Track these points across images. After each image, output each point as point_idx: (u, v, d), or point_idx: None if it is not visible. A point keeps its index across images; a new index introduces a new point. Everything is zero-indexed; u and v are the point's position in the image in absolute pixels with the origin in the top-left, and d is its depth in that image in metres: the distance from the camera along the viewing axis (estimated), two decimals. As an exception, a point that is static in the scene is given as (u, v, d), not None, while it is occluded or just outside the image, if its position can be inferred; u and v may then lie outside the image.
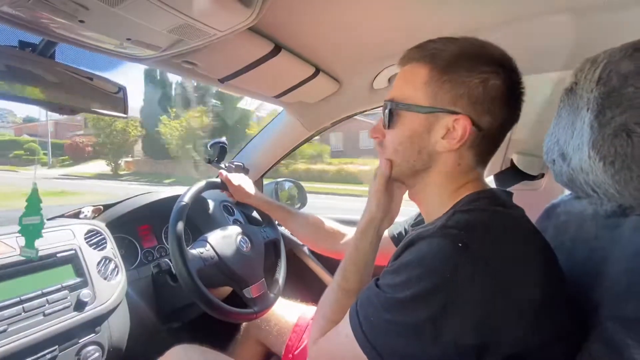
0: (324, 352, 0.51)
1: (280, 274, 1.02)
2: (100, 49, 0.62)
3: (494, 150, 0.51)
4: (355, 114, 1.16)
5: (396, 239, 0.80)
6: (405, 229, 0.78)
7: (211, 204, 1.16)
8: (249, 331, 1.01)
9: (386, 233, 0.83)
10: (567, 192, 0.65)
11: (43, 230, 0.70)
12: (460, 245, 0.39)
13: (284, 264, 1.05)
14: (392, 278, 0.43)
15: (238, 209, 1.24)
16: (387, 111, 0.51)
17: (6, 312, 0.62)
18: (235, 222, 1.18)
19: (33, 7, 0.47)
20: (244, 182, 0.97)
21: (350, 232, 0.88)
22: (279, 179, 1.52)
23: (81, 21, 0.50)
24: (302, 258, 1.35)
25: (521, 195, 0.49)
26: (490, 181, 1.04)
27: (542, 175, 1.01)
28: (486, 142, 0.48)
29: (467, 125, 0.45)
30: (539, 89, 0.54)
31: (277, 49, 0.74)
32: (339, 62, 0.90)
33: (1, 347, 0.59)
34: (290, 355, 0.89)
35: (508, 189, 0.53)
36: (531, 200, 0.48)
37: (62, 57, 0.66)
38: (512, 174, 1.03)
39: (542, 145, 0.56)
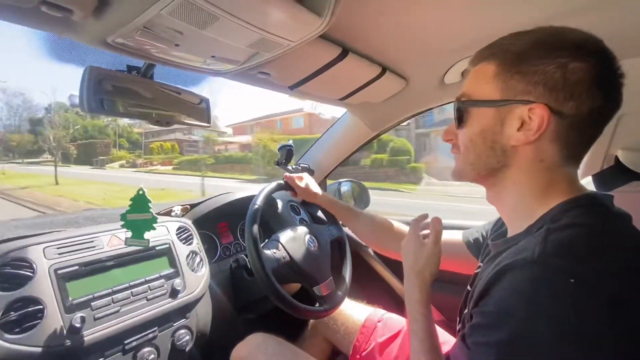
0: None
1: (347, 273, 1.03)
2: (189, 67, 0.70)
3: (587, 143, 0.45)
4: (423, 111, 1.11)
5: (472, 245, 0.74)
6: (483, 236, 0.73)
7: (280, 204, 1.23)
8: (317, 328, 1.05)
9: (460, 237, 0.78)
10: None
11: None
12: (572, 281, 0.34)
13: (349, 262, 1.06)
14: (489, 334, 0.37)
15: (304, 208, 1.29)
16: (456, 110, 0.50)
17: (119, 295, 0.73)
18: (301, 221, 1.22)
19: (139, 37, 0.54)
20: (309, 182, 1.01)
21: (404, 229, 0.86)
22: (341, 180, 1.54)
23: (176, 45, 0.57)
24: (366, 259, 1.35)
25: (628, 198, 0.42)
26: (587, 183, 0.91)
27: (658, 175, 0.84)
28: (574, 133, 0.43)
29: (545, 113, 0.41)
30: None
31: (345, 52, 0.75)
32: (407, 59, 0.87)
33: (116, 324, 0.70)
34: (358, 356, 0.90)
35: (611, 192, 0.46)
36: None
37: (156, 75, 0.76)
38: (617, 174, 0.88)
39: None
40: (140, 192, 0.76)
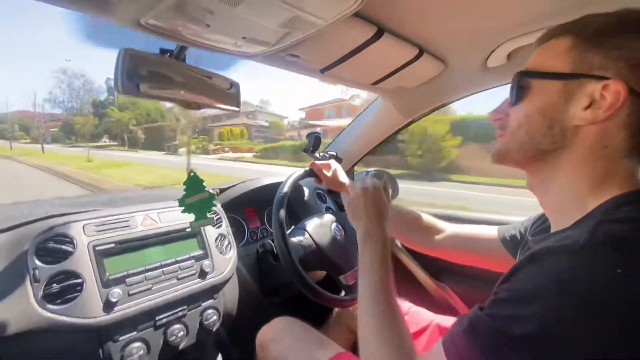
0: None
1: None
2: (219, 49, 0.69)
3: None
4: (462, 97, 1.04)
5: (508, 242, 0.69)
6: (521, 233, 0.67)
7: (306, 191, 1.22)
8: (341, 317, 1.04)
9: (495, 233, 0.73)
10: None
11: (174, 208, 0.84)
12: (619, 272, 0.31)
13: None
14: (515, 307, 0.34)
15: (330, 196, 1.27)
16: (516, 85, 0.45)
17: (152, 274, 0.76)
18: (327, 209, 1.21)
19: (172, 17, 0.54)
20: (337, 170, 0.96)
21: (447, 227, 0.82)
22: (369, 169, 1.50)
23: (207, 25, 0.56)
24: (393, 251, 1.31)
25: None
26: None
27: None
28: None
29: (622, 90, 0.37)
30: None
31: (380, 32, 0.70)
32: (447, 40, 0.80)
33: (148, 301, 0.73)
34: (382, 348, 0.88)
35: None
36: None
37: (189, 59, 0.76)
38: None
39: None
40: (192, 174, 0.78)
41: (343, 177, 0.96)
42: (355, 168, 1.45)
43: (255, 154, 21.16)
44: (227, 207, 1.04)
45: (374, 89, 1.02)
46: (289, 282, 0.98)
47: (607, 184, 0.40)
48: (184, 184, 0.77)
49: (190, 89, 0.74)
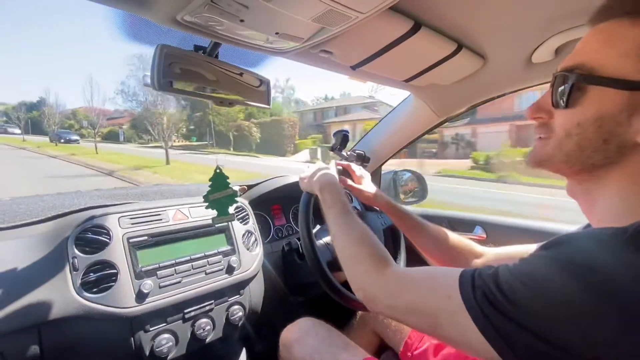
0: (413, 290, 0.43)
1: (401, 263, 0.98)
2: (252, 45, 0.68)
3: None
4: (501, 95, 0.98)
5: None
6: None
7: None
8: (366, 320, 1.02)
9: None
10: None
11: (204, 203, 0.85)
12: None
13: (404, 252, 1.00)
14: (540, 271, 0.33)
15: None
16: (566, 85, 0.38)
17: (182, 267, 0.78)
18: (353, 208, 1.19)
19: (206, 13, 0.54)
20: (365, 181, 0.87)
21: (486, 251, 0.73)
22: (397, 169, 1.46)
23: (241, 20, 0.55)
24: (421, 254, 1.27)
25: None
26: None
27: None
28: None
29: None
30: None
31: (417, 26, 0.67)
32: (488, 34, 0.75)
33: (178, 294, 0.75)
34: (409, 354, 0.85)
35: None
36: None
37: (221, 55, 0.77)
38: None
39: None
40: (218, 171, 0.79)
41: (372, 188, 0.87)
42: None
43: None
44: (254, 203, 1.04)
45: (406, 86, 0.98)
46: (314, 281, 0.97)
47: None
48: (210, 180, 0.78)
49: (222, 86, 0.74)
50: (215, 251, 0.85)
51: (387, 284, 0.47)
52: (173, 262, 0.77)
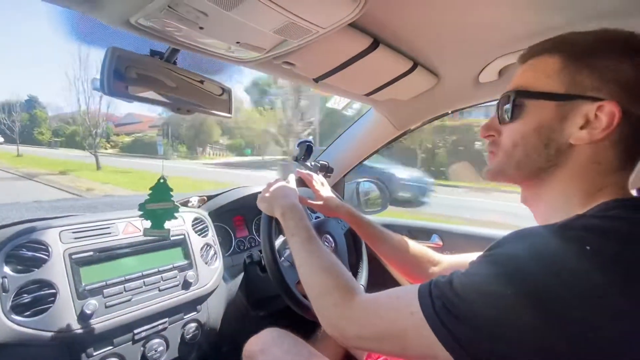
0: (380, 316, 0.44)
1: (363, 268, 0.99)
2: (213, 53, 0.67)
3: None
4: (454, 111, 1.05)
5: None
6: None
7: None
8: (329, 331, 1.01)
9: None
10: None
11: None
12: (588, 248, 0.33)
13: (365, 258, 1.01)
14: (489, 267, 0.37)
15: None
16: (509, 103, 0.45)
17: (132, 284, 0.72)
18: (317, 218, 1.19)
19: (163, 18, 0.52)
20: (326, 193, 0.87)
21: (442, 258, 0.76)
22: (360, 179, 1.49)
23: (201, 28, 0.54)
24: (380, 261, 1.30)
25: None
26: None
27: None
28: (637, 136, 0.40)
29: (617, 112, 0.38)
30: None
31: (376, 43, 0.70)
32: (441, 55, 0.81)
33: (127, 314, 0.69)
34: (371, 364, 0.86)
35: None
36: None
37: (181, 62, 0.74)
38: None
39: None
40: (162, 181, 0.74)
41: (334, 200, 0.86)
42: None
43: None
44: (214, 215, 1.01)
45: (367, 100, 1.02)
46: (277, 294, 0.95)
47: (597, 195, 0.41)
48: (151, 188, 0.73)
49: (182, 93, 0.72)
50: (170, 266, 0.80)
51: (355, 315, 0.47)
52: (122, 279, 0.72)
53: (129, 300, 0.71)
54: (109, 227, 0.75)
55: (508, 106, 0.45)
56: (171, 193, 0.75)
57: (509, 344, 0.33)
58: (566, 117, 0.41)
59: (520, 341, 0.32)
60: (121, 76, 0.61)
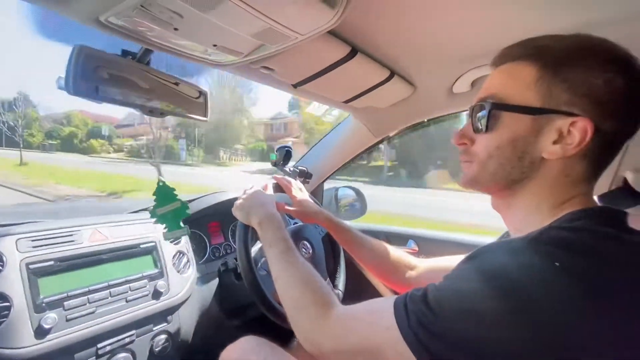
0: (355, 330, 0.44)
1: (341, 273, 0.99)
2: (188, 55, 0.66)
3: (610, 161, 0.43)
4: (430, 119, 1.08)
5: None
6: None
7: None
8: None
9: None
10: None
11: (128, 222, 0.77)
12: (557, 264, 0.33)
13: (343, 263, 1.01)
14: (461, 283, 0.37)
15: None
16: (483, 113, 0.45)
17: (97, 295, 0.68)
18: (295, 223, 1.18)
19: (136, 17, 0.50)
20: (304, 199, 0.85)
21: (419, 263, 0.78)
22: (339, 186, 1.50)
23: (175, 29, 0.53)
24: (361, 270, 1.30)
25: (635, 222, 0.40)
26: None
27: (668, 200, 0.82)
28: (604, 151, 0.41)
29: (589, 128, 0.38)
30: None
31: (354, 52, 0.71)
32: (417, 65, 0.83)
33: (90, 327, 0.65)
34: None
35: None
36: None
37: (155, 64, 0.72)
38: (624, 196, 0.85)
39: None
40: (161, 184, 0.72)
41: (313, 207, 0.85)
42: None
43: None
44: (188, 221, 0.97)
45: (346, 107, 1.03)
46: (252, 302, 0.93)
47: (567, 204, 0.42)
48: (154, 194, 0.72)
49: (157, 95, 0.70)
50: (140, 275, 0.76)
51: (331, 330, 0.46)
52: (86, 289, 0.68)
53: (93, 312, 0.67)
54: (72, 235, 0.71)
55: (483, 115, 0.44)
56: (175, 192, 0.74)
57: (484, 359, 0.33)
58: (541, 131, 0.41)
59: (495, 357, 0.33)
60: (90, 76, 0.58)
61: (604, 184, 0.89)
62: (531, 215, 0.44)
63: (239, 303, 0.95)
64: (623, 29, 0.59)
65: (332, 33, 0.67)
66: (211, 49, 0.61)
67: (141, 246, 0.80)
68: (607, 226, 0.37)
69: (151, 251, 0.81)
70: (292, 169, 1.17)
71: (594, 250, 0.35)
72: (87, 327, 0.65)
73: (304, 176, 1.21)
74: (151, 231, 0.84)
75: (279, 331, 0.97)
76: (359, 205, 1.44)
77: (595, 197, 0.91)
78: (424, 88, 0.93)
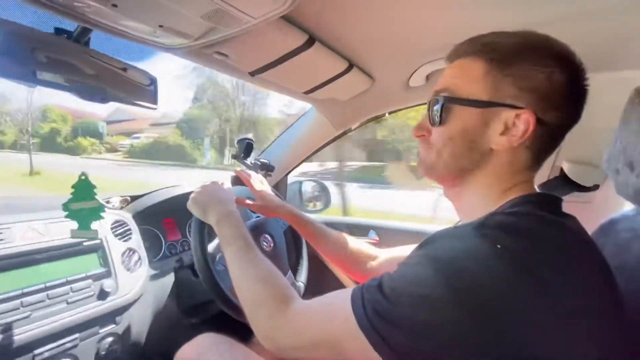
0: (314, 324, 0.44)
1: (303, 265, 0.99)
2: (133, 36, 0.61)
3: (551, 152, 0.46)
4: (389, 112, 1.11)
5: None
6: None
7: None
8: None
9: None
10: (628, 206, 0.57)
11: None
12: (499, 247, 0.35)
13: (305, 255, 1.01)
14: (413, 270, 0.38)
15: None
16: (437, 106, 0.47)
17: (31, 298, 0.62)
18: (257, 217, 1.16)
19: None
20: (265, 193, 0.84)
21: (380, 253, 0.79)
22: (303, 179, 1.50)
23: (114, 5, 0.49)
24: (323, 261, 1.31)
25: (570, 207, 0.44)
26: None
27: (597, 187, 0.90)
28: (545, 142, 0.44)
29: (531, 120, 0.41)
30: (597, 89, 0.49)
31: (311, 40, 0.71)
32: (374, 57, 0.85)
33: (24, 332, 0.59)
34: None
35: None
36: (581, 214, 0.44)
37: (98, 46, 0.66)
38: (561, 184, 0.93)
39: (600, 153, 0.50)
40: (83, 178, 0.67)
41: (275, 200, 0.84)
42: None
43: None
44: (140, 217, 0.92)
45: (306, 98, 1.02)
46: (211, 299, 0.90)
47: (510, 191, 0.45)
48: (73, 186, 0.66)
49: (103, 81, 0.64)
50: (83, 275, 0.71)
51: (289, 326, 0.46)
52: (19, 292, 0.61)
53: (28, 316, 0.61)
54: (1, 233, 0.64)
55: (437, 109, 0.47)
56: (95, 191, 0.68)
57: (441, 344, 0.34)
58: (488, 123, 0.44)
59: (451, 341, 0.34)
60: (30, 60, 0.53)
61: (543, 174, 0.97)
62: (479, 202, 0.47)
63: (197, 300, 0.91)
64: (566, 27, 0.64)
65: (289, 20, 0.66)
66: (158, 30, 0.58)
67: (85, 244, 0.74)
68: (544, 211, 0.40)
69: (96, 249, 0.76)
70: (253, 162, 1.15)
71: (533, 233, 0.37)
72: (20, 333, 0.59)
73: (266, 169, 1.19)
74: (97, 227, 0.78)
75: (239, 327, 0.95)
76: (324, 199, 1.45)
77: (535, 186, 0.99)
78: (382, 81, 0.95)
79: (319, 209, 1.42)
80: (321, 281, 1.30)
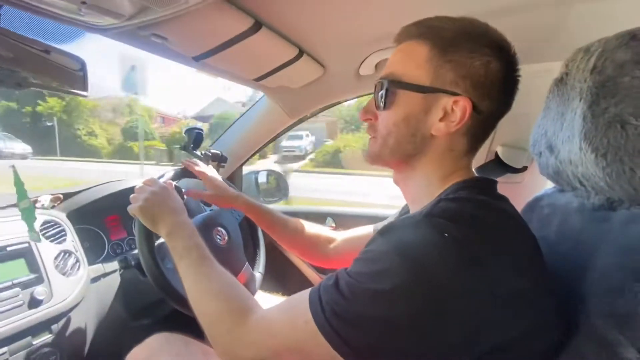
0: (275, 332, 0.42)
1: (261, 256, 0.98)
2: (53, 14, 0.54)
3: (486, 138, 0.49)
4: (340, 102, 1.12)
5: None
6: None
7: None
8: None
9: (372, 230, 0.79)
10: (550, 185, 0.64)
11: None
12: (446, 235, 0.36)
13: (262, 246, 1.00)
14: (367, 266, 0.39)
15: None
16: (383, 91, 0.47)
17: (-58, 313, 0.54)
18: (210, 211, 1.12)
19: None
20: (218, 184, 0.81)
21: (336, 235, 0.81)
22: (259, 170, 1.47)
23: (24, -24, 0.43)
24: (281, 250, 1.31)
25: (503, 188, 0.49)
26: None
27: (525, 168, 1.00)
28: (481, 128, 0.47)
29: (468, 107, 0.43)
30: (526, 80, 0.54)
31: (257, 25, 0.68)
32: (324, 45, 0.84)
33: None
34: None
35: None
36: (513, 193, 0.49)
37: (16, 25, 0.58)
38: (496, 167, 1.02)
39: (528, 137, 0.54)
40: (13, 170, 0.59)
41: (228, 191, 0.82)
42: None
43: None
44: (76, 216, 0.84)
45: (258, 86, 0.99)
46: (161, 299, 0.86)
47: (452, 176, 0.48)
48: (14, 184, 0.59)
49: (23, 66, 0.57)
50: (9, 283, 0.63)
51: (250, 338, 0.43)
52: None
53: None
54: None
55: (382, 94, 0.47)
56: (24, 189, 0.61)
57: (401, 339, 0.35)
58: (429, 109, 0.45)
59: (411, 334, 0.35)
60: None
61: (481, 157, 1.05)
62: (424, 187, 0.49)
63: (147, 301, 0.87)
64: (503, 19, 0.68)
65: (232, 2, 0.63)
66: (82, 7, 0.52)
67: (9, 249, 0.66)
68: (482, 194, 0.43)
69: (24, 254, 0.68)
70: (203, 152, 1.10)
71: (475, 219, 0.39)
72: None
73: (219, 160, 1.14)
74: (23, 230, 0.70)
75: (194, 325, 0.93)
76: (281, 189, 1.44)
77: (473, 169, 1.07)
78: (334, 69, 0.96)
79: (277, 199, 1.41)
80: (281, 271, 1.30)
